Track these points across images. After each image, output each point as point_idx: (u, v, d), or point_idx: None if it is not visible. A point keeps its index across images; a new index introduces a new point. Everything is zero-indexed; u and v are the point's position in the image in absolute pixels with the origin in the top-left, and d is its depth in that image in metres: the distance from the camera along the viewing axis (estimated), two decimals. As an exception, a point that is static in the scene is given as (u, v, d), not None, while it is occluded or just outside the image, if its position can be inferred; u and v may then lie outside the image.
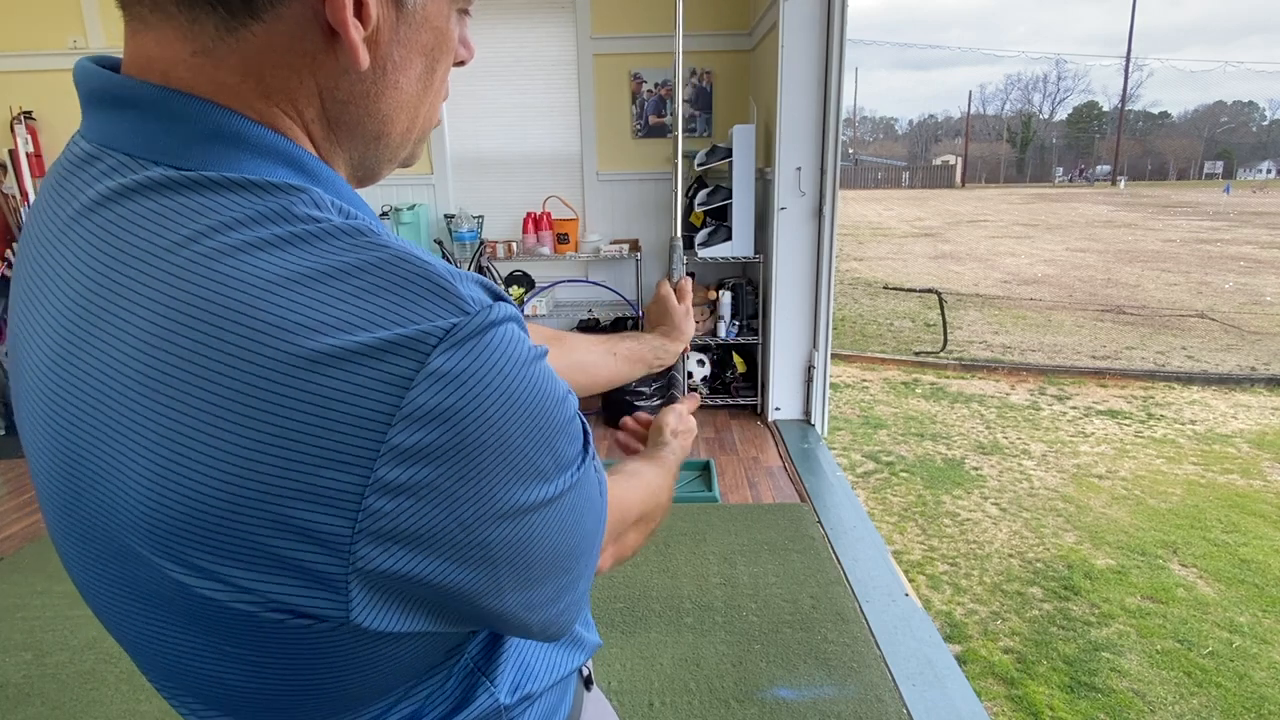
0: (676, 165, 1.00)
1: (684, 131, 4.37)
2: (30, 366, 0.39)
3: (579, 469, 0.42)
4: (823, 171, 3.52)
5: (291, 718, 0.41)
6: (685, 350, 0.96)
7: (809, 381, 3.81)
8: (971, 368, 6.21)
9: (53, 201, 0.41)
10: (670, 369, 1.04)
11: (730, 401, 4.08)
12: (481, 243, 4.22)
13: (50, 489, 0.39)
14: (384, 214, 4.35)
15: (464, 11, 0.47)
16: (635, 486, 0.63)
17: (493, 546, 0.37)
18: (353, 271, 0.35)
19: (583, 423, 0.45)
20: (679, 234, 1.01)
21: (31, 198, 4.17)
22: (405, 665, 0.42)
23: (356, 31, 0.39)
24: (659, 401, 3.84)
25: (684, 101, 4.34)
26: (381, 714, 0.43)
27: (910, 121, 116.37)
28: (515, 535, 0.38)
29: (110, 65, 0.41)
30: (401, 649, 0.40)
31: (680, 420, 0.84)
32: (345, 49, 0.40)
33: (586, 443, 0.44)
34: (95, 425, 0.35)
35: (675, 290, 0.97)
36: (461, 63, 0.50)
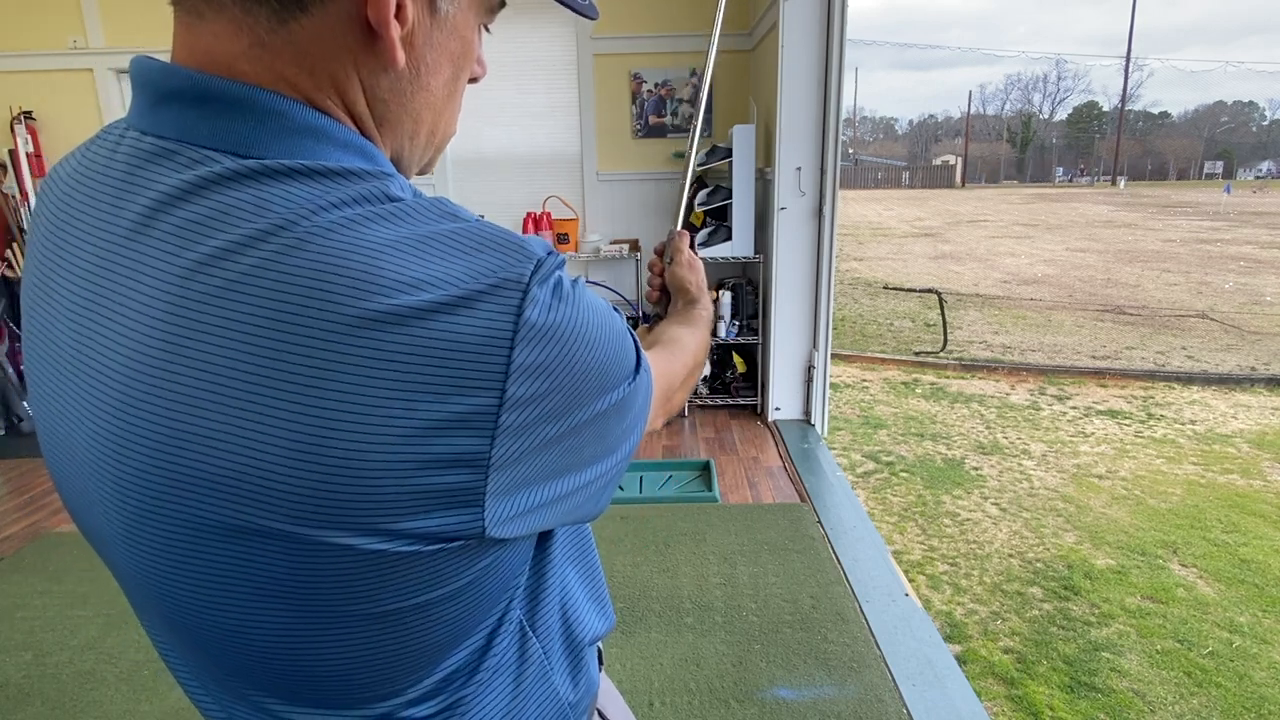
0: (693, 141, 0.96)
1: (684, 131, 4.38)
2: (106, 365, 0.39)
3: (636, 373, 0.47)
4: (823, 171, 3.52)
5: (362, 687, 0.44)
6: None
7: (809, 381, 3.81)
8: (971, 368, 6.21)
9: (117, 197, 0.41)
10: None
11: (730, 401, 4.08)
12: (481, 243, 4.22)
13: (122, 486, 0.39)
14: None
15: (486, 27, 0.50)
16: (677, 357, 0.68)
17: (585, 435, 0.43)
18: (449, 237, 0.39)
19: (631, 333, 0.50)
20: (680, 226, 0.96)
21: (32, 198, 4.17)
22: (484, 598, 0.46)
23: (395, 30, 0.41)
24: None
25: (684, 101, 4.34)
26: (445, 675, 0.47)
27: (910, 121, 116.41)
28: (603, 424, 0.44)
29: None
30: (489, 576, 0.44)
31: (693, 271, 0.86)
32: (384, 47, 0.42)
33: (637, 346, 0.49)
34: (212, 412, 0.36)
35: (671, 249, 0.89)
36: (475, 79, 0.51)
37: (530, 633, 0.52)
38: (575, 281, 0.43)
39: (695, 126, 0.95)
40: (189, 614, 0.42)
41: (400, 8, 0.41)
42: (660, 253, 0.91)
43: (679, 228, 0.96)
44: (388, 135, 0.46)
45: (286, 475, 0.35)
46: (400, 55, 0.42)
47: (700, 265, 0.87)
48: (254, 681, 0.45)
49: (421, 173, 0.52)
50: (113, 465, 0.39)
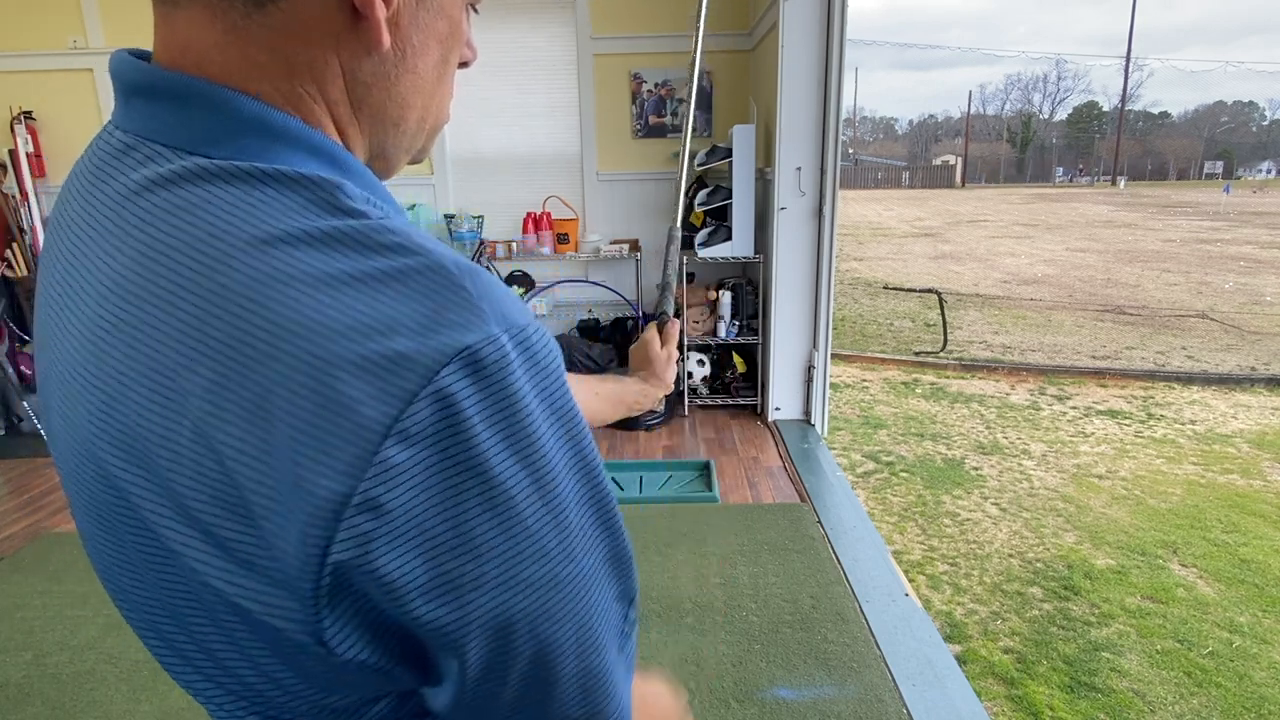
0: (685, 141, 0.97)
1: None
2: (65, 356, 0.39)
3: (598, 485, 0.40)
4: (823, 171, 3.52)
5: (289, 694, 0.41)
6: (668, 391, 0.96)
7: (809, 381, 3.81)
8: (971, 368, 6.21)
9: (87, 190, 0.41)
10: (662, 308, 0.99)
11: (730, 401, 4.08)
12: (481, 243, 4.22)
13: (81, 463, 0.39)
14: (384, 214, 4.35)
15: (473, 8, 0.48)
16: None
17: (461, 591, 0.35)
18: (380, 276, 0.35)
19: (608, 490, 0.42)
20: (679, 223, 0.97)
21: (32, 198, 4.17)
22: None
23: (380, 11, 0.40)
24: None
25: (684, 101, 4.34)
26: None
27: (910, 121, 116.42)
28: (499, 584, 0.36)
29: (145, 57, 0.42)
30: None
31: (665, 377, 0.88)
32: (368, 28, 0.40)
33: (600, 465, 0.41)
34: (136, 405, 0.36)
35: (662, 334, 0.95)
36: (465, 64, 0.50)
37: None
38: (550, 379, 0.36)
39: (685, 135, 0.95)
40: (131, 606, 0.42)
41: None
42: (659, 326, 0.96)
43: (678, 224, 0.97)
44: (368, 123, 0.44)
45: (177, 471, 0.34)
46: (385, 37, 0.41)
47: (669, 375, 0.92)
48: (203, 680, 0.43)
49: (415, 161, 0.51)
50: (72, 449, 0.40)
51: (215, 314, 0.34)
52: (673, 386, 0.90)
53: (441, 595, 0.34)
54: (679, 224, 0.98)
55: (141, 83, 0.40)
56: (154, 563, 0.38)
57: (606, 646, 0.40)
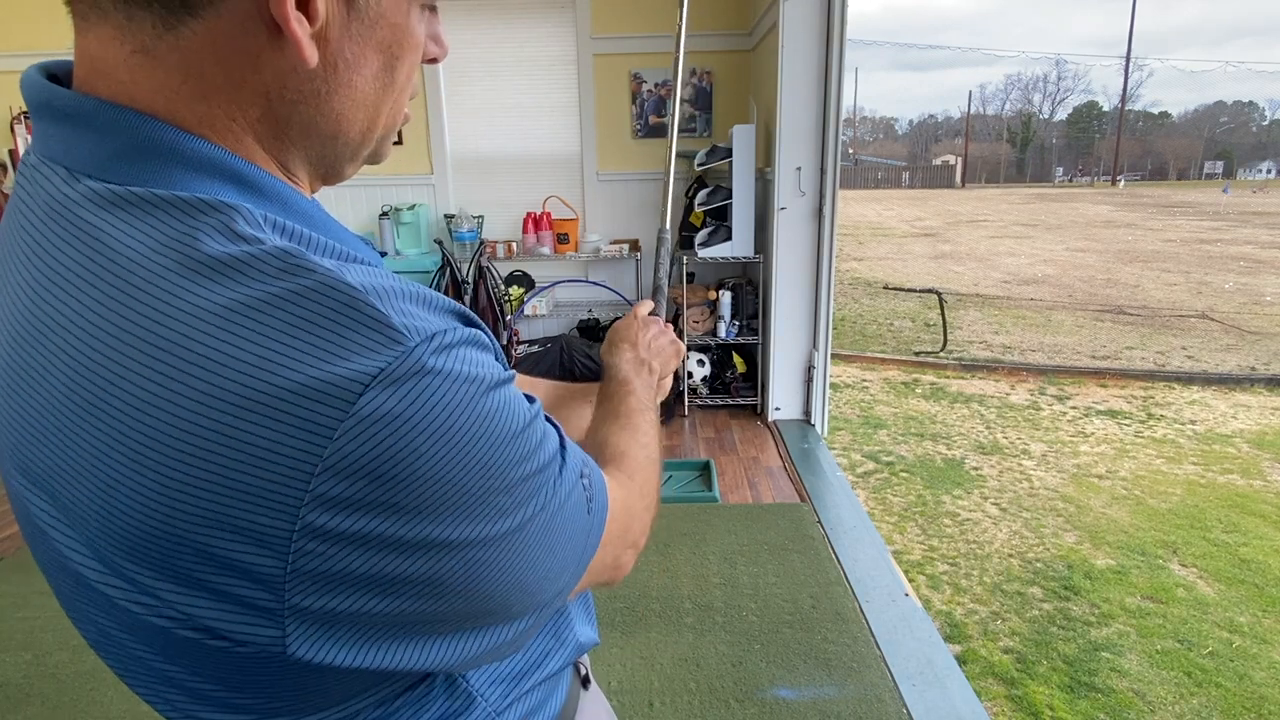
0: (671, 137, 0.93)
1: (684, 131, 4.37)
2: None
3: (547, 494, 0.40)
4: (823, 171, 3.52)
5: (246, 709, 0.41)
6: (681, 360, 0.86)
7: (809, 381, 3.81)
8: (971, 368, 6.21)
9: (9, 214, 0.41)
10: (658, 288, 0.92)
11: (730, 401, 4.08)
12: (481, 243, 4.22)
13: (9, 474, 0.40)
14: (384, 214, 4.35)
15: (429, 7, 0.45)
16: (635, 480, 0.58)
17: (440, 583, 0.36)
18: (275, 303, 0.33)
19: (558, 436, 0.43)
20: (668, 225, 0.93)
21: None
22: (355, 687, 0.41)
23: (301, 27, 0.37)
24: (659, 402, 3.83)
25: (684, 101, 4.34)
26: (351, 714, 0.43)
27: (910, 122, 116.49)
28: (466, 571, 0.37)
29: (64, 70, 0.41)
30: (347, 679, 0.39)
31: (642, 343, 0.75)
32: (292, 46, 0.38)
33: (559, 462, 0.42)
34: (44, 438, 0.36)
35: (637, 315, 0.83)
36: (434, 60, 0.47)
37: (461, 678, 0.47)
38: (474, 375, 0.36)
39: (672, 129, 0.94)
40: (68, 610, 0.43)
41: (306, 1, 0.38)
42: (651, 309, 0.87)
43: (667, 225, 0.95)
44: (300, 139, 0.42)
45: (90, 508, 0.34)
46: (310, 53, 0.38)
47: (663, 339, 0.80)
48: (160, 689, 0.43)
49: (372, 162, 0.49)
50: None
51: (108, 355, 0.33)
52: (666, 389, 0.80)
53: (408, 595, 0.36)
54: (667, 227, 0.95)
55: (41, 102, 0.39)
56: (80, 594, 0.39)
57: (573, 539, 0.44)
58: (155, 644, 0.37)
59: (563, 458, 0.43)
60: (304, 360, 0.32)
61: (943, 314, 7.17)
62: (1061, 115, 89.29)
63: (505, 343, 4.18)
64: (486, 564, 0.38)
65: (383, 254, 0.50)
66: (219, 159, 0.39)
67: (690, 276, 4.24)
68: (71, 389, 0.34)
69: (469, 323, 0.40)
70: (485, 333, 0.41)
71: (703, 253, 3.84)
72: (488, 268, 4.18)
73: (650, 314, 0.84)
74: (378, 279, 0.36)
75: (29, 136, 4.24)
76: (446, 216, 4.41)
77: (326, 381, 0.32)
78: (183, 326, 0.33)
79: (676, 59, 0.93)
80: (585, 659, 0.70)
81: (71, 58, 0.41)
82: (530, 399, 0.42)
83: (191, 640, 0.36)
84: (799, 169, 3.52)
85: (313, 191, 0.47)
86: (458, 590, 0.37)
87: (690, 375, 4.03)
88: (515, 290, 4.36)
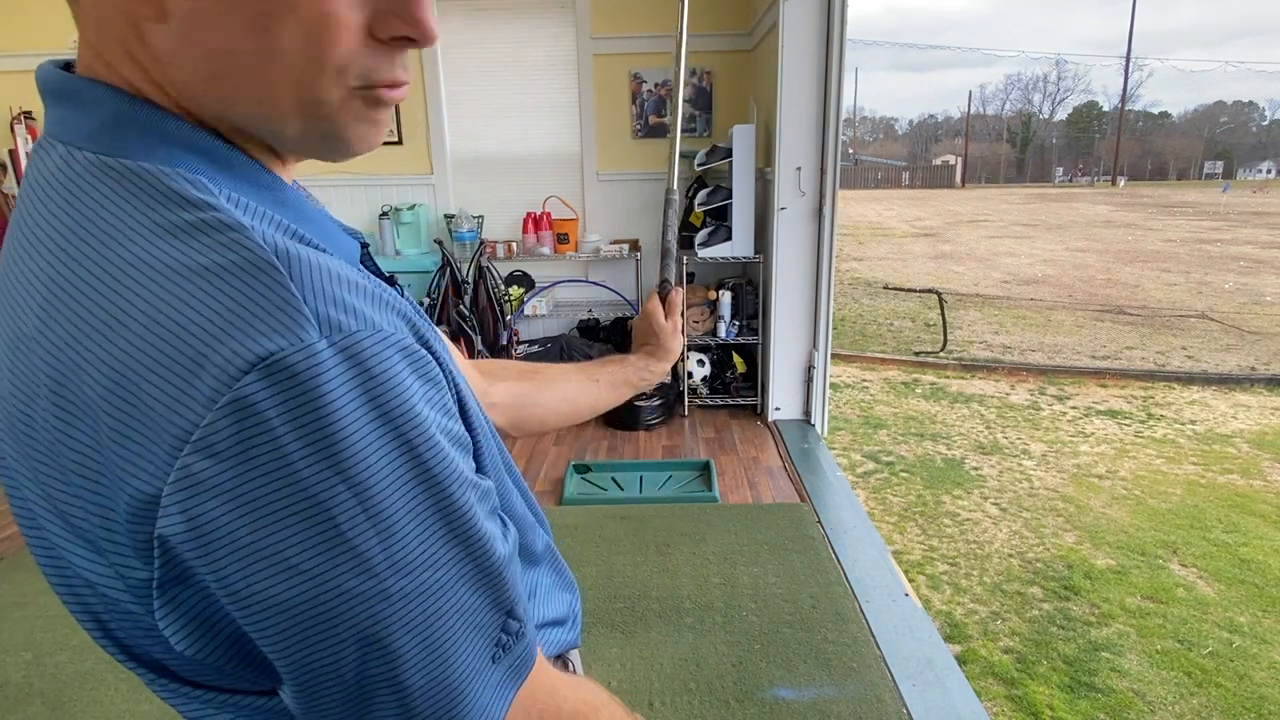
0: (677, 106, 0.95)
1: (684, 131, 4.37)
2: None
3: (436, 550, 0.37)
4: (823, 171, 3.52)
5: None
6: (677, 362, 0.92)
7: (809, 381, 3.81)
8: (971, 368, 6.21)
9: (22, 194, 0.44)
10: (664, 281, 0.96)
11: (730, 401, 4.08)
12: (481, 243, 4.21)
13: None
14: (384, 214, 4.35)
15: None
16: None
17: (277, 606, 0.34)
18: (201, 273, 0.34)
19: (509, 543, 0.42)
20: (675, 186, 0.94)
21: (31, 198, 4.17)
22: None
23: None
24: (659, 402, 3.84)
25: (684, 101, 4.34)
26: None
27: (910, 121, 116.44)
28: (308, 602, 0.34)
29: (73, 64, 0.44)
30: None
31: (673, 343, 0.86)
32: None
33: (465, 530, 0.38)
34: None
35: (665, 304, 0.92)
36: (411, 40, 0.41)
37: None
38: (385, 386, 0.34)
39: (674, 132, 0.94)
40: None
41: None
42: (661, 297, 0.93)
43: (674, 185, 0.96)
44: (193, 104, 0.40)
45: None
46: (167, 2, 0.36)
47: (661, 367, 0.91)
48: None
49: (337, 150, 0.43)
50: None
51: (55, 309, 0.35)
52: (678, 351, 0.88)
53: (257, 606, 0.34)
54: (674, 188, 0.96)
55: (46, 88, 0.42)
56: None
57: (462, 658, 0.38)
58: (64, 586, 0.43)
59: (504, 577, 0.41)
60: (209, 329, 0.32)
61: (943, 314, 7.17)
62: (1061, 115, 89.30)
63: (505, 343, 4.19)
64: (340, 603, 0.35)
65: (364, 245, 0.50)
66: (177, 132, 0.39)
67: (690, 276, 4.24)
68: (19, 342, 0.37)
69: (422, 342, 0.39)
70: (440, 361, 0.40)
71: (703, 253, 3.84)
72: (488, 268, 4.18)
73: (660, 283, 0.92)
74: (310, 267, 0.35)
75: (29, 136, 4.25)
76: (446, 216, 4.41)
77: (218, 355, 0.32)
78: (113, 281, 0.34)
79: (678, 59, 0.93)
80: (575, 657, 0.70)
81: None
82: (482, 475, 0.42)
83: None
84: (799, 169, 3.52)
85: (285, 165, 0.45)
86: (295, 621, 0.35)
87: (690, 375, 4.03)
88: (515, 290, 4.36)
